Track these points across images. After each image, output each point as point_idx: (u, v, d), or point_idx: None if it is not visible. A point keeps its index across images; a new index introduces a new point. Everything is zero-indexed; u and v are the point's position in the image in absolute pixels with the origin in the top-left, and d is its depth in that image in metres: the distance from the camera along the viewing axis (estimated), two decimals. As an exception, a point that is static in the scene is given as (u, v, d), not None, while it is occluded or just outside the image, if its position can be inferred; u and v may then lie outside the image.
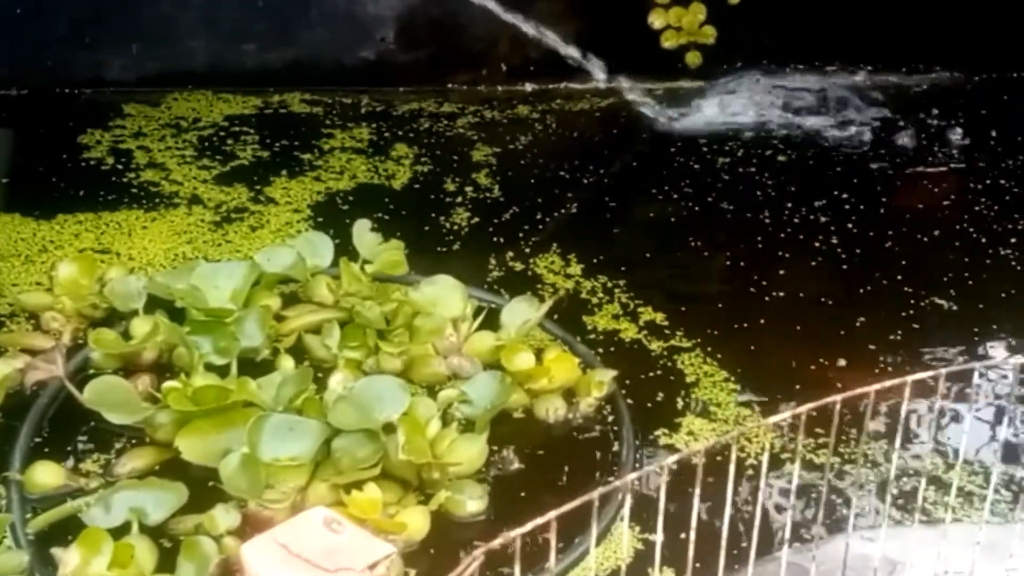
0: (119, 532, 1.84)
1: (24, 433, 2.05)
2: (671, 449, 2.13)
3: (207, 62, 3.25)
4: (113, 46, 3.20)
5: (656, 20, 3.32)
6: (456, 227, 2.77)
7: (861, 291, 2.62)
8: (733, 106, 3.37)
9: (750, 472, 2.08)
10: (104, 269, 2.43)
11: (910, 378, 1.61)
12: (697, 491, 1.48)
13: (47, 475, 1.97)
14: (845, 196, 2.98)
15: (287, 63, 3.29)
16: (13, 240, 2.58)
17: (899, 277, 2.67)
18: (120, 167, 2.89)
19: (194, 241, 2.62)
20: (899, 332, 2.49)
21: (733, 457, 1.62)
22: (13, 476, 1.96)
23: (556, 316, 2.39)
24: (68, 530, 1.87)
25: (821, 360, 2.39)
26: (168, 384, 2.08)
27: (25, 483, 1.96)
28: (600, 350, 2.36)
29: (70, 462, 2.03)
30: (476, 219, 2.80)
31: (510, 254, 2.67)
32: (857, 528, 1.86)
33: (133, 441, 2.07)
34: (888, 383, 1.60)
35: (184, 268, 2.38)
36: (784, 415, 1.52)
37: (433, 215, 2.81)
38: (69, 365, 2.17)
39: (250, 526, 1.88)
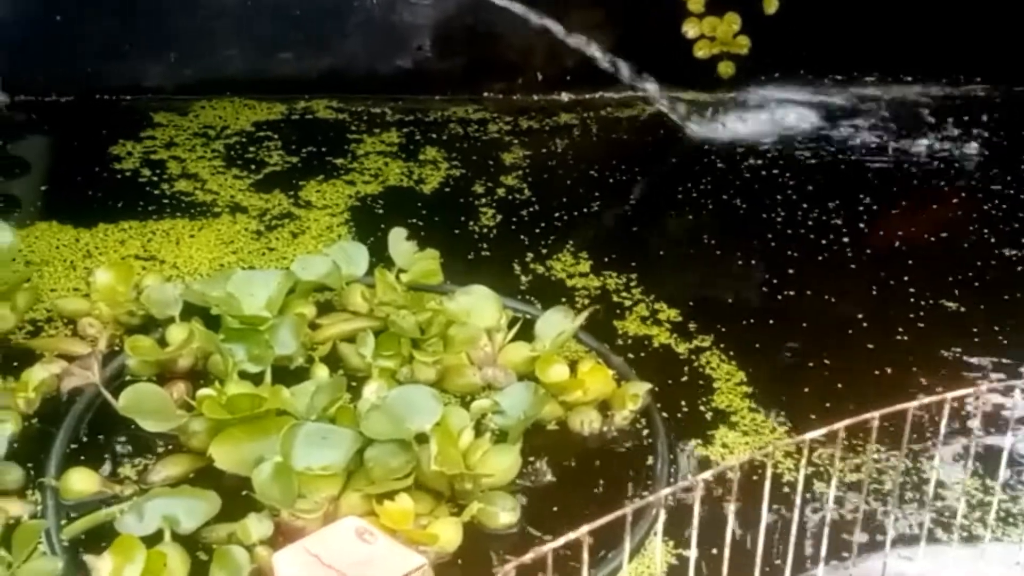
0: (152, 540, 1.85)
1: (60, 439, 2.06)
2: (706, 463, 2.12)
3: (243, 71, 3.27)
4: (150, 55, 3.22)
5: (690, 30, 3.31)
6: (487, 232, 2.77)
7: (897, 304, 2.59)
8: (766, 116, 3.35)
9: (786, 487, 2.05)
10: (141, 276, 2.45)
11: (950, 395, 1.59)
12: (732, 506, 1.47)
13: (82, 481, 1.98)
14: (878, 207, 2.95)
15: (323, 72, 3.31)
16: (53, 246, 2.60)
17: (936, 290, 2.64)
18: (155, 176, 2.90)
19: (239, 251, 2.63)
20: (938, 347, 2.46)
21: (769, 472, 1.61)
22: (49, 482, 1.97)
23: (586, 324, 2.38)
24: (102, 537, 1.87)
25: (858, 373, 2.36)
26: (202, 392, 2.08)
27: (60, 489, 1.97)
28: (631, 355, 2.35)
29: (105, 469, 2.04)
30: (507, 225, 2.80)
31: (541, 261, 2.67)
32: (894, 546, 1.84)
33: (168, 448, 2.08)
34: (927, 400, 1.58)
35: (220, 275, 2.38)
36: (821, 431, 1.50)
37: (463, 219, 2.81)
38: (105, 371, 2.18)
39: (282, 535, 1.88)
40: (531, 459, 2.08)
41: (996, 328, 2.50)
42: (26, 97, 3.18)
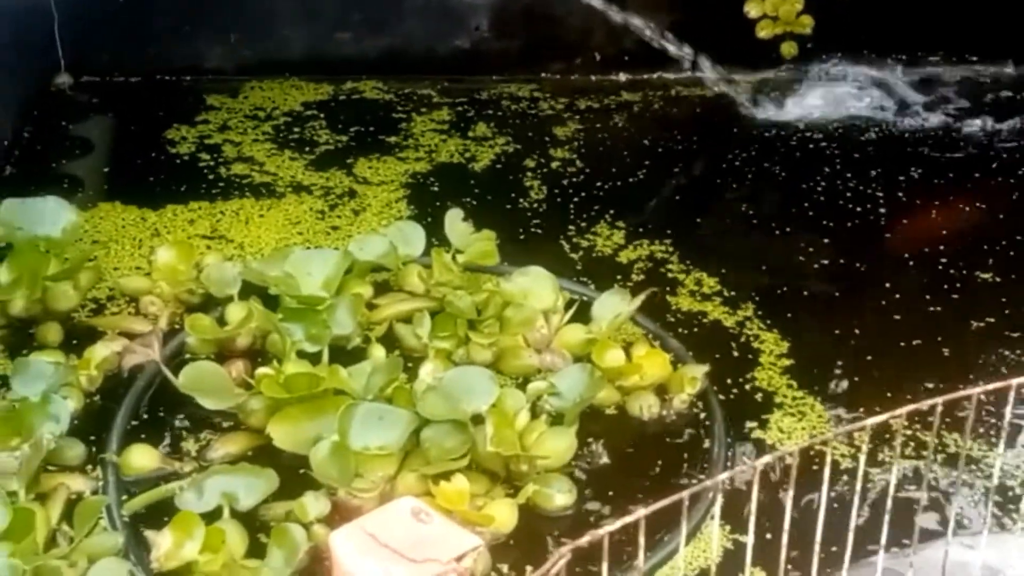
0: (211, 516, 1.87)
1: (121, 416, 2.09)
2: (765, 447, 2.10)
3: (302, 51, 3.28)
4: (212, 35, 3.25)
5: (752, 9, 3.26)
6: (539, 208, 2.77)
7: (956, 287, 2.55)
8: (828, 96, 3.29)
9: (845, 473, 2.03)
10: (202, 255, 2.47)
11: (1015, 381, 1.56)
12: (791, 491, 1.45)
13: (142, 458, 2.01)
14: (936, 188, 2.91)
15: (381, 52, 3.31)
16: (118, 226, 2.63)
17: (993, 274, 2.59)
18: (213, 158, 2.92)
19: (305, 232, 2.64)
20: (1001, 330, 2.41)
21: (828, 458, 1.59)
22: (110, 458, 2.00)
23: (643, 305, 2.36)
24: (162, 513, 1.90)
25: (917, 359, 2.33)
26: (261, 371, 2.10)
27: (121, 465, 2.00)
28: (684, 331, 2.36)
29: (165, 446, 2.07)
30: (559, 201, 2.80)
31: (594, 237, 2.66)
32: (957, 534, 1.81)
33: (227, 426, 2.10)
34: (991, 386, 1.55)
35: (278, 255, 2.40)
36: (882, 417, 1.48)
37: (514, 196, 2.81)
38: (165, 349, 2.21)
39: (339, 514, 1.90)
40: (588, 443, 2.08)
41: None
42: (89, 78, 3.21)
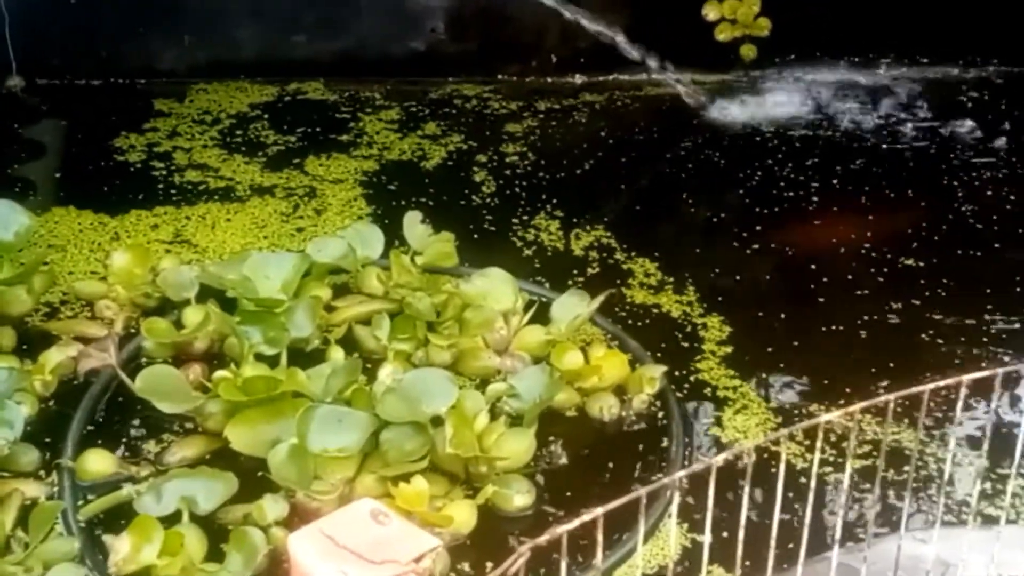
0: (169, 520, 1.86)
1: (77, 420, 2.07)
2: (722, 446, 2.12)
3: (256, 53, 3.26)
4: (165, 37, 3.22)
5: (710, 12, 3.29)
6: (492, 205, 2.79)
7: (909, 286, 2.59)
8: (786, 99, 3.33)
9: (800, 470, 2.05)
10: (158, 259, 2.45)
11: (966, 377, 1.58)
12: (747, 489, 1.47)
13: (99, 463, 1.99)
14: (900, 191, 2.94)
15: (335, 54, 3.30)
16: (74, 231, 2.60)
17: (949, 273, 2.63)
18: (168, 163, 2.90)
19: (271, 236, 2.64)
20: (952, 329, 2.45)
21: (783, 455, 1.60)
22: (65, 463, 1.98)
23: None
24: (119, 518, 1.89)
25: (870, 356, 2.36)
26: (219, 374, 2.09)
27: (77, 470, 1.98)
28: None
29: (122, 450, 2.05)
30: (513, 199, 2.82)
31: (552, 239, 2.68)
32: (909, 529, 1.83)
33: (184, 430, 2.09)
34: (943, 382, 1.57)
35: (236, 258, 2.39)
36: (836, 414, 1.50)
37: (468, 195, 2.83)
38: (122, 353, 2.19)
39: (298, 517, 1.90)
40: (547, 444, 2.09)
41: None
42: (42, 81, 3.18)
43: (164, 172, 2.85)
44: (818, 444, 1.59)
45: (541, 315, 2.33)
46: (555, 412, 2.15)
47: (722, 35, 3.30)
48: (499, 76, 3.38)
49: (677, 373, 2.28)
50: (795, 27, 3.34)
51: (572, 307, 2.30)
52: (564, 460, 2.08)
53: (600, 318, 2.37)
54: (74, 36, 3.17)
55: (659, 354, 2.32)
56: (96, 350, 2.17)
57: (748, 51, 3.33)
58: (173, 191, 2.78)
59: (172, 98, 3.16)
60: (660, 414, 2.19)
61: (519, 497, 1.97)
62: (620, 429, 2.17)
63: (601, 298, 2.33)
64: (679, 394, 2.23)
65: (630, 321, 2.42)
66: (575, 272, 2.56)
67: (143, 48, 3.23)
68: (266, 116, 3.12)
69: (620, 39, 3.21)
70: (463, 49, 3.35)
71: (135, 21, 3.19)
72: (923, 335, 2.44)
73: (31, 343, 2.25)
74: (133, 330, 2.28)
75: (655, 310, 2.47)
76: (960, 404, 1.60)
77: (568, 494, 2.02)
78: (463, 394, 2.05)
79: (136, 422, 2.11)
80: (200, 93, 3.19)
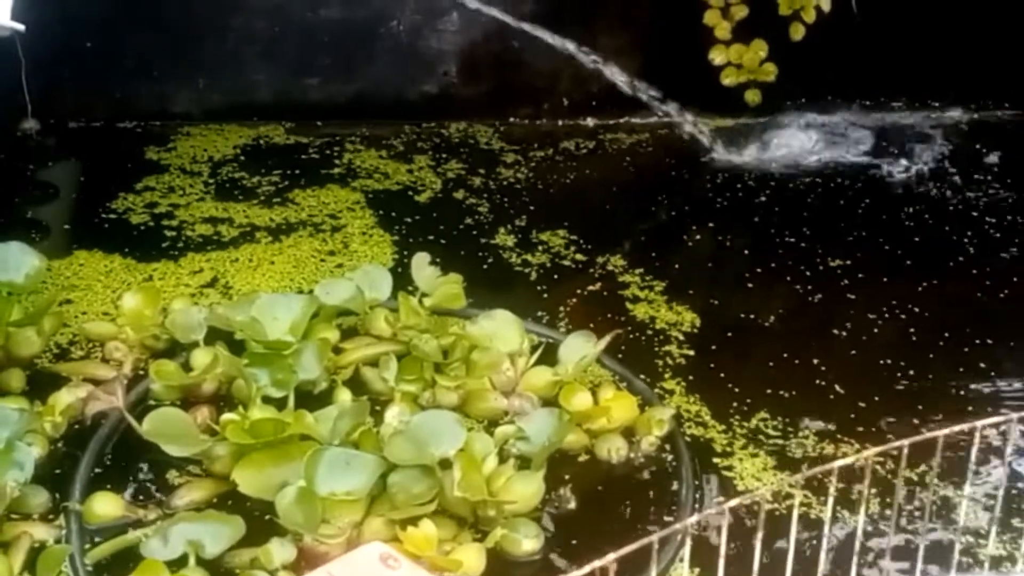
0: (176, 564, 1.85)
1: (84, 463, 2.07)
2: (732, 489, 2.10)
3: (270, 96, 3.29)
4: (179, 80, 3.25)
5: (717, 57, 3.30)
6: (503, 249, 2.80)
7: (922, 331, 2.57)
8: (793, 143, 3.33)
9: (815, 516, 2.03)
10: (167, 300, 2.46)
11: (980, 423, 1.57)
12: (760, 535, 1.45)
13: (106, 506, 1.98)
14: (908, 235, 2.94)
15: (349, 97, 3.32)
16: (86, 273, 2.60)
17: (961, 317, 2.62)
18: (189, 202, 2.92)
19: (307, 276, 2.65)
20: (965, 374, 2.44)
21: (797, 501, 1.59)
22: (73, 506, 1.97)
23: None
24: (127, 561, 1.87)
25: (886, 402, 2.34)
26: (226, 416, 2.09)
27: (85, 513, 1.97)
28: (663, 375, 2.37)
29: (129, 493, 2.04)
30: (528, 243, 2.82)
31: (559, 278, 2.69)
32: (926, 573, 1.81)
33: (192, 473, 2.08)
34: (956, 428, 1.56)
35: (244, 299, 2.39)
36: (849, 459, 1.49)
37: (477, 235, 2.85)
38: (130, 396, 2.19)
39: (305, 561, 1.88)
40: (556, 487, 2.07)
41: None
42: (56, 123, 3.20)
43: (183, 213, 2.85)
44: (831, 490, 1.58)
45: (548, 356, 2.32)
46: (563, 453, 2.14)
47: (727, 80, 3.31)
48: (511, 119, 3.39)
49: (685, 413, 2.27)
50: (802, 72, 3.35)
51: (579, 348, 2.29)
52: (573, 504, 2.06)
53: (607, 359, 2.36)
54: (89, 79, 3.19)
55: (668, 393, 2.31)
56: (104, 392, 2.17)
57: (753, 96, 3.34)
58: (193, 232, 2.78)
59: (186, 139, 3.18)
60: (668, 457, 2.17)
61: (528, 541, 1.95)
62: (629, 471, 2.15)
63: (608, 339, 2.32)
64: (687, 436, 2.21)
65: (637, 360, 2.41)
66: (581, 312, 2.55)
67: (157, 91, 3.25)
68: (276, 157, 3.13)
69: (629, 82, 3.22)
70: (475, 92, 3.37)
71: (150, 64, 3.22)
72: (933, 376, 2.43)
73: (41, 384, 2.25)
74: (142, 372, 2.28)
75: (663, 348, 2.46)
76: (974, 451, 1.59)
77: (577, 539, 2.00)
78: (471, 437, 2.04)
79: (144, 465, 2.10)
80: (215, 135, 3.21)
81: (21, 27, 2.18)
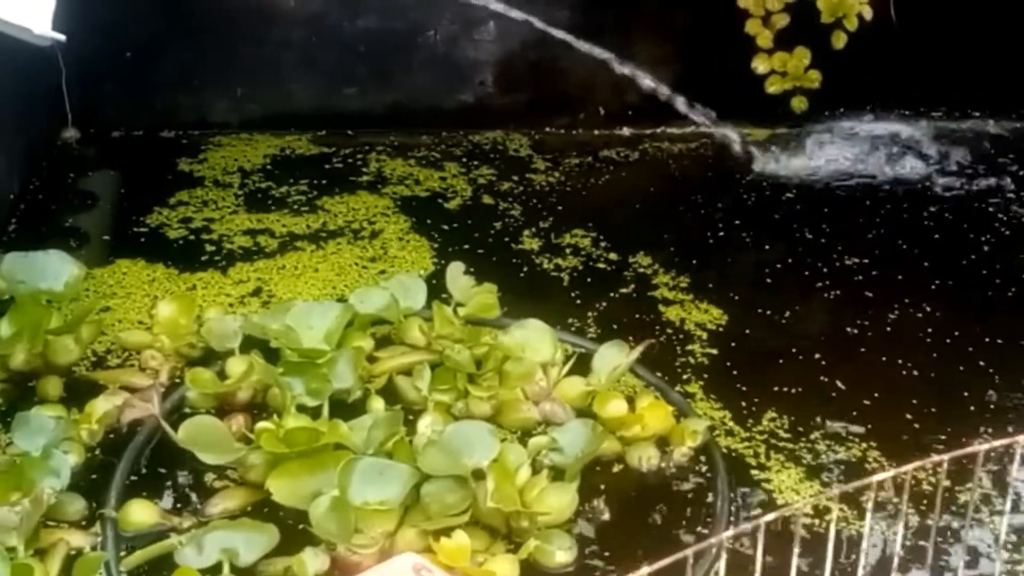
0: (211, 572, 1.85)
1: (120, 471, 2.08)
2: (768, 501, 2.08)
3: (307, 105, 3.30)
4: (218, 89, 3.27)
5: (760, 65, 3.27)
6: (538, 256, 2.79)
7: (959, 344, 2.53)
8: (837, 152, 3.30)
9: (851, 528, 2.00)
10: (203, 308, 2.47)
11: (1022, 438, 1.54)
12: (796, 549, 1.43)
13: (142, 513, 1.99)
14: (947, 249, 2.90)
15: (386, 106, 3.33)
16: (125, 281, 2.61)
17: (1001, 330, 2.58)
18: (227, 211, 2.93)
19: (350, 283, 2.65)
20: (1004, 388, 2.40)
21: (834, 515, 1.57)
22: (109, 513, 1.98)
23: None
24: (161, 569, 1.88)
25: (923, 413, 2.32)
26: (261, 425, 2.09)
27: (120, 521, 1.98)
28: (695, 381, 2.36)
29: (164, 501, 2.05)
30: (561, 251, 2.81)
31: (593, 287, 2.68)
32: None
33: (226, 481, 2.09)
34: (997, 443, 1.54)
35: (279, 308, 2.40)
36: (888, 474, 1.46)
37: (509, 242, 2.84)
38: (165, 404, 2.20)
39: (338, 570, 1.88)
40: (589, 496, 2.06)
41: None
42: (97, 132, 3.23)
43: (220, 227, 2.86)
44: (869, 506, 1.55)
45: (581, 366, 2.31)
46: (596, 461, 2.12)
47: (772, 88, 3.29)
48: (547, 128, 3.39)
49: (717, 421, 2.26)
50: (846, 79, 3.32)
51: (612, 358, 2.28)
52: (607, 515, 2.05)
53: (642, 369, 2.34)
54: (130, 88, 3.22)
55: (700, 399, 2.30)
56: (140, 400, 2.18)
57: (799, 103, 3.31)
58: (233, 245, 2.78)
59: (217, 149, 3.19)
60: (702, 468, 2.15)
61: (561, 553, 1.94)
62: (663, 483, 2.13)
63: (641, 348, 2.31)
64: (720, 445, 2.19)
65: (671, 369, 2.40)
66: (616, 322, 2.54)
67: (197, 101, 3.28)
68: (307, 166, 3.14)
69: (668, 92, 3.21)
70: (511, 102, 3.37)
71: (190, 73, 3.25)
72: (974, 389, 2.40)
73: (78, 392, 2.26)
74: (178, 380, 2.29)
75: (699, 358, 2.44)
76: (1016, 464, 1.56)
77: (611, 551, 1.99)
78: (505, 447, 2.03)
79: (179, 473, 2.11)
80: (244, 144, 3.22)
81: (62, 37, 2.21)
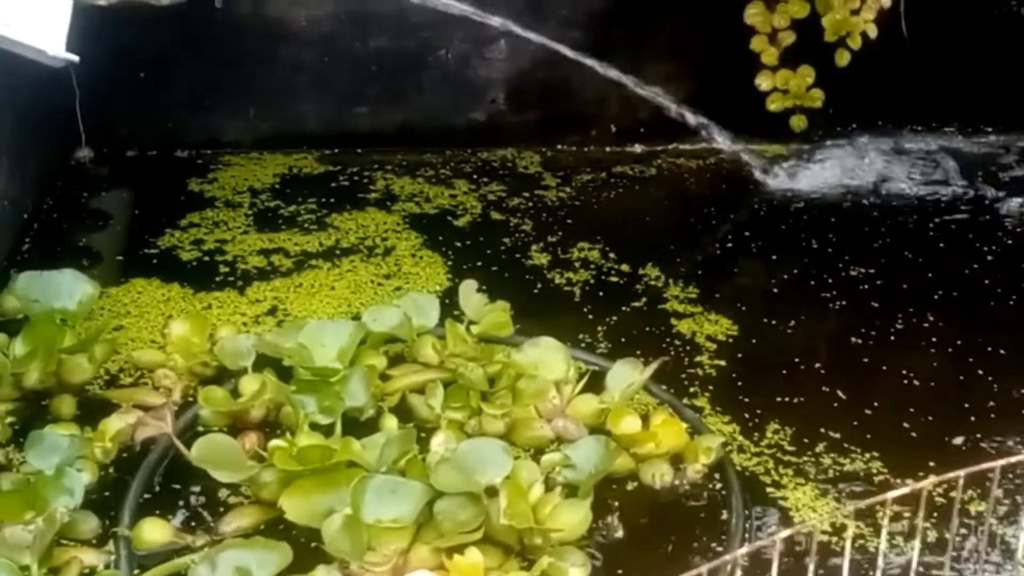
0: (223, 591, 1.85)
1: (133, 489, 2.08)
2: (782, 518, 2.07)
3: (319, 124, 3.31)
4: (230, 109, 3.28)
5: (763, 82, 3.27)
6: (550, 272, 2.80)
7: (969, 362, 2.53)
8: (839, 169, 3.31)
9: (869, 547, 1.99)
10: (216, 327, 2.47)
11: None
12: (811, 567, 1.43)
13: (155, 532, 1.99)
14: (952, 262, 2.90)
15: (398, 125, 3.34)
16: (139, 300, 2.61)
17: (1003, 340, 2.58)
18: (240, 230, 2.94)
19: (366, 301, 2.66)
20: (1005, 398, 2.40)
21: (850, 533, 1.56)
22: (122, 532, 1.98)
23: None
24: (174, 587, 1.89)
25: (937, 431, 2.31)
26: (273, 443, 2.09)
27: (133, 539, 1.98)
28: (708, 397, 2.36)
29: (178, 519, 2.05)
30: (575, 270, 2.81)
31: (605, 303, 2.68)
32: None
33: (239, 499, 2.09)
34: (1014, 459, 1.53)
35: (293, 326, 2.40)
36: (904, 490, 1.46)
37: (520, 258, 2.85)
38: (179, 422, 2.20)
39: (351, 588, 1.88)
40: (602, 513, 2.05)
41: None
42: (110, 152, 3.24)
43: (233, 248, 2.87)
44: (884, 522, 1.55)
45: (594, 384, 2.31)
46: (610, 478, 2.12)
47: (773, 105, 3.29)
48: (558, 146, 3.40)
49: (734, 438, 2.25)
50: (849, 97, 3.32)
51: (625, 375, 2.28)
52: (620, 532, 2.04)
53: (655, 386, 2.34)
54: (142, 109, 3.23)
55: (723, 423, 2.29)
56: (153, 419, 2.18)
57: (799, 122, 3.32)
58: (247, 264, 2.79)
59: (227, 169, 3.20)
60: (716, 485, 2.15)
61: (575, 570, 1.93)
62: (676, 500, 2.13)
63: (655, 365, 2.31)
64: (733, 460, 2.19)
65: (688, 386, 2.40)
66: (629, 338, 2.54)
67: (209, 120, 3.29)
68: (314, 185, 3.15)
69: (676, 108, 3.21)
70: (523, 119, 3.38)
71: (202, 94, 3.26)
72: (987, 403, 2.40)
73: (91, 411, 2.26)
74: (191, 399, 2.29)
75: (712, 374, 2.44)
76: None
77: (625, 568, 1.98)
78: (518, 464, 2.03)
79: (192, 491, 2.11)
80: (253, 164, 3.23)
81: (75, 58, 2.22)
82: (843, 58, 3.20)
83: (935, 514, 2.04)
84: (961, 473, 1.48)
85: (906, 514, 2.02)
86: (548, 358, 2.29)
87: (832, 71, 3.24)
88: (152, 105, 3.24)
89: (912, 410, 2.36)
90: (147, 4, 2.77)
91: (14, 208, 2.79)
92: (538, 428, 2.22)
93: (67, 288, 2.38)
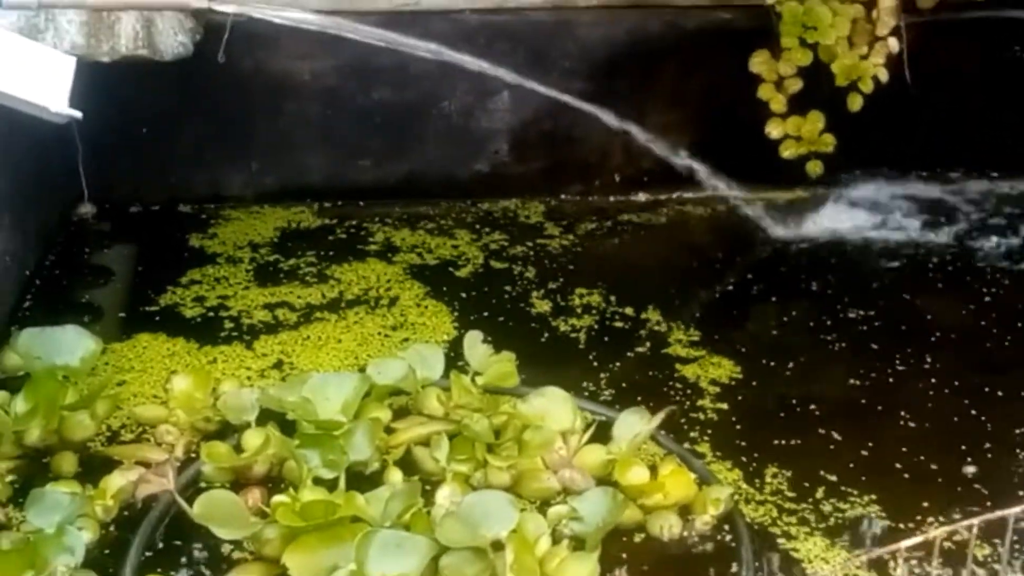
0: (226, 650, 1.82)
1: (135, 547, 2.05)
2: (798, 569, 2.03)
3: (322, 178, 3.31)
4: (233, 164, 3.29)
5: (774, 130, 3.27)
6: (555, 321, 2.79)
7: (966, 403, 2.51)
8: (852, 215, 3.31)
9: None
10: (218, 382, 2.45)
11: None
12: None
13: (156, 590, 1.96)
14: (969, 308, 2.88)
15: (400, 178, 3.34)
16: (142, 357, 2.59)
17: (1001, 383, 2.56)
18: (243, 285, 2.93)
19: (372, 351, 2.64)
20: (1002, 441, 2.38)
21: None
22: (123, 591, 1.96)
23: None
24: (176, 647, 1.86)
25: (951, 476, 2.28)
26: (276, 498, 2.07)
27: (135, 598, 1.95)
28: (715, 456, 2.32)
29: (180, 577, 2.03)
30: (583, 321, 2.79)
31: (611, 352, 2.66)
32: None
33: (242, 556, 2.06)
34: (1029, 505, 1.50)
35: (296, 380, 2.38)
36: (916, 539, 1.43)
37: (525, 308, 2.84)
38: (181, 478, 2.18)
39: (356, 646, 1.84)
40: (610, 566, 2.01)
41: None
42: (112, 208, 3.24)
43: (236, 299, 2.85)
44: (899, 572, 1.52)
45: (601, 433, 2.28)
46: (617, 530, 2.09)
47: (787, 152, 3.28)
48: (562, 196, 3.40)
49: (744, 488, 2.22)
50: (861, 143, 3.32)
51: (633, 425, 2.26)
52: (630, 586, 2.01)
53: (662, 436, 2.32)
54: (145, 164, 3.24)
55: (727, 470, 2.27)
56: (155, 475, 2.16)
57: (814, 167, 3.31)
58: (252, 319, 2.77)
59: (227, 224, 3.20)
60: (725, 536, 2.11)
61: (583, 625, 1.90)
62: (685, 552, 2.09)
63: (662, 415, 2.28)
64: (742, 511, 2.16)
65: (690, 431, 2.38)
66: (632, 383, 2.53)
67: (212, 175, 3.30)
68: (313, 238, 3.15)
69: (682, 157, 3.22)
70: (526, 170, 3.39)
71: (204, 148, 3.27)
72: (985, 444, 2.38)
73: (93, 468, 2.24)
74: (194, 454, 2.27)
75: (715, 419, 2.42)
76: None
77: (635, 622, 1.95)
78: (524, 517, 2.00)
79: (194, 548, 2.08)
80: (253, 218, 3.23)
81: (78, 114, 2.23)
82: (856, 103, 3.19)
83: (940, 559, 2.00)
84: (975, 521, 1.46)
85: (914, 560, 1.99)
86: (554, 408, 2.27)
87: (839, 116, 3.24)
88: (155, 160, 3.25)
89: (903, 451, 2.35)
90: (150, 59, 2.79)
91: (16, 264, 2.79)
92: (544, 480, 2.19)
93: (69, 344, 2.37)
